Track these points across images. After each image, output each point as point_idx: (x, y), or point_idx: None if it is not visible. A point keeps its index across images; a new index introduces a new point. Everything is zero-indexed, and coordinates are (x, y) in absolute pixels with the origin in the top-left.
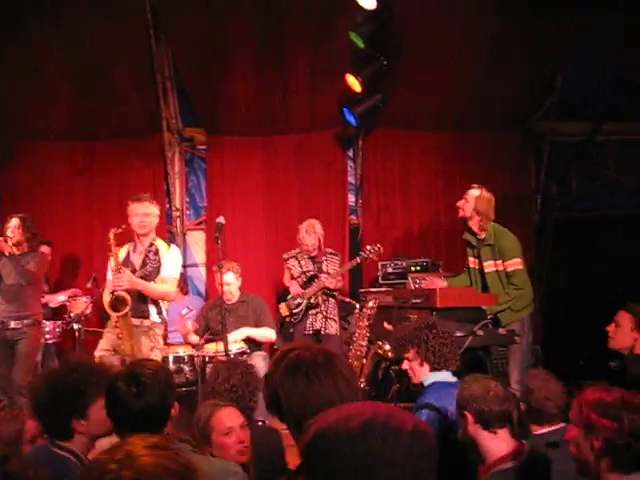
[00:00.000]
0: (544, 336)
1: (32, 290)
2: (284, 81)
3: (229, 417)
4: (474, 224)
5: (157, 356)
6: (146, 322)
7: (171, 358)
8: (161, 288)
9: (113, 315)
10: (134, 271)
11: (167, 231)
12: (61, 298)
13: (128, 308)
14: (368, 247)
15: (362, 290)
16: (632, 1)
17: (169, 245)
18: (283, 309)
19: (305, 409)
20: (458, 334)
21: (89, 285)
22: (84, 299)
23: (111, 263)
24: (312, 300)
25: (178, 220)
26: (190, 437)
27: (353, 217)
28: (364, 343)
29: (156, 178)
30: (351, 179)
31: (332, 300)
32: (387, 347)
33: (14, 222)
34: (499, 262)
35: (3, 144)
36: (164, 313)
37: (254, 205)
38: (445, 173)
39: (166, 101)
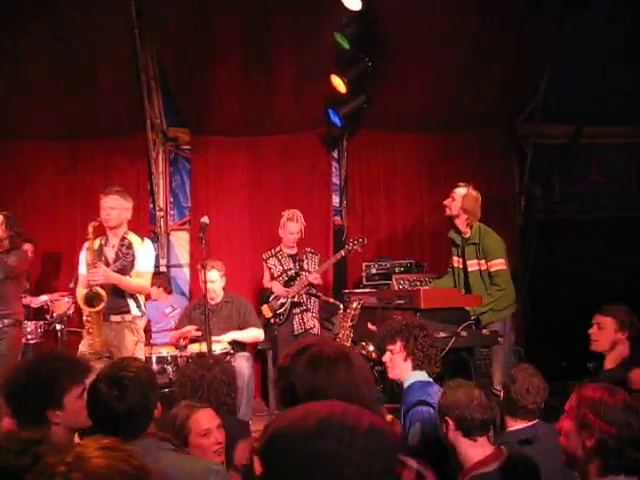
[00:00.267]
0: (527, 337)
1: (13, 288)
2: (269, 81)
3: (206, 419)
4: (461, 222)
5: (141, 350)
6: (127, 317)
7: (154, 358)
8: (137, 282)
9: (86, 310)
10: (107, 265)
11: (151, 231)
12: (43, 298)
13: (103, 304)
14: (351, 239)
15: (346, 291)
16: (616, 3)
17: (142, 239)
18: (266, 311)
19: None
20: (442, 335)
21: (71, 285)
22: (66, 299)
23: (86, 257)
24: (296, 299)
25: (162, 220)
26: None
27: (337, 218)
28: (348, 344)
29: (140, 178)
30: (335, 180)
31: (314, 298)
32: (371, 348)
33: None
34: (482, 261)
35: None
36: (143, 306)
37: (238, 205)
38: (429, 174)
39: (150, 101)
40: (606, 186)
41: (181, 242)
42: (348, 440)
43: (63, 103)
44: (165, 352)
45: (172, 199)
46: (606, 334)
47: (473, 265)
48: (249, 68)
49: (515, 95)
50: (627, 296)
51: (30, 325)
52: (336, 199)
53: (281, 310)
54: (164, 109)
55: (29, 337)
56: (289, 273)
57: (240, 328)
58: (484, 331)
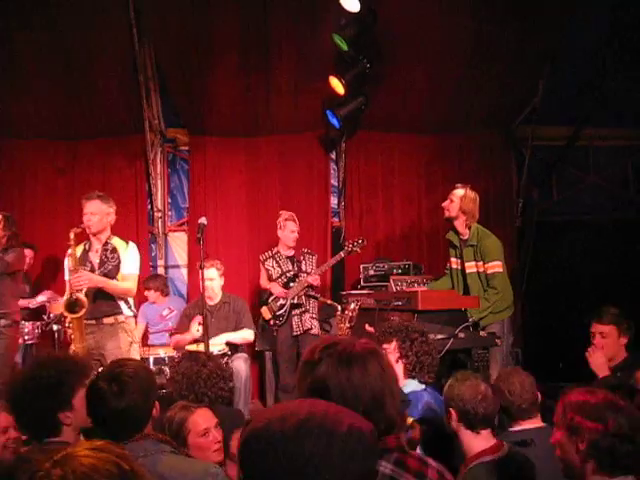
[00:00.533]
0: (525, 339)
1: (9, 287)
2: (267, 82)
3: (203, 418)
4: (460, 224)
5: (136, 350)
6: (120, 318)
7: (151, 360)
8: (123, 285)
9: (68, 316)
10: (93, 270)
11: (149, 232)
12: (40, 299)
13: (84, 311)
14: (351, 241)
15: (344, 292)
16: (614, 6)
17: (127, 242)
18: (265, 312)
19: (356, 401)
20: (439, 336)
21: None
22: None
23: (68, 263)
24: (295, 300)
25: (160, 221)
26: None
27: (335, 219)
28: None
29: (138, 179)
30: (333, 181)
31: (312, 299)
32: None
33: None
34: (480, 263)
35: None
36: (133, 307)
37: (236, 206)
38: (427, 176)
39: (149, 101)
40: (604, 188)
41: (179, 243)
42: (325, 443)
43: (61, 103)
44: (162, 353)
45: (170, 200)
46: (611, 342)
47: (471, 267)
48: (247, 69)
49: (513, 97)
50: (625, 297)
51: (28, 325)
52: (334, 200)
53: (281, 312)
54: (162, 110)
55: (26, 337)
56: (288, 275)
57: (235, 328)
58: (482, 333)
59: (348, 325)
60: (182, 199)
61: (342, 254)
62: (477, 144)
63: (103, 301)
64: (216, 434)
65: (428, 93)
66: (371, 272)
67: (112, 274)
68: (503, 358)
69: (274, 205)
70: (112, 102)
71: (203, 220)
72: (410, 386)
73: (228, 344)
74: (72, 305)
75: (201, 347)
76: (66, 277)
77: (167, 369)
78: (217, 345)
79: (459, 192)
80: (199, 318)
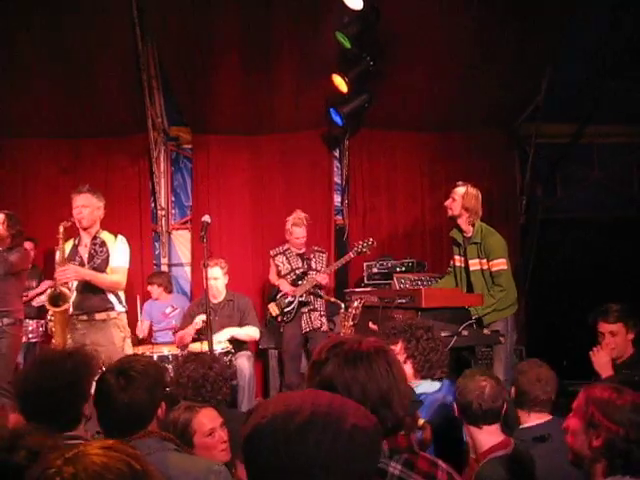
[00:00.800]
0: (528, 336)
1: (13, 286)
2: (270, 80)
3: (209, 418)
4: (463, 222)
5: (129, 345)
6: (112, 314)
7: (155, 358)
8: (111, 278)
9: (51, 309)
10: (82, 265)
11: (152, 230)
12: (43, 297)
13: (67, 305)
14: (360, 241)
15: (347, 290)
16: (617, 3)
17: (115, 235)
18: (273, 309)
19: (363, 399)
20: (443, 334)
21: None
22: None
23: (56, 257)
24: (304, 298)
25: (163, 219)
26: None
27: (339, 217)
28: None
29: (141, 177)
30: (337, 179)
31: (320, 298)
32: None
33: None
34: (484, 261)
35: None
36: (124, 301)
37: (239, 204)
38: (431, 173)
39: (152, 100)
40: (607, 185)
41: (182, 241)
42: (330, 441)
43: (64, 102)
44: (166, 351)
45: (173, 198)
46: (620, 340)
47: (475, 264)
48: (250, 67)
49: (516, 94)
50: (628, 295)
51: (32, 324)
52: (337, 198)
53: (288, 309)
54: (165, 108)
55: (30, 336)
56: (297, 272)
57: (239, 326)
58: (485, 330)
59: (352, 323)
60: (185, 197)
61: (351, 254)
62: (480, 142)
63: (94, 296)
64: (222, 434)
65: (431, 91)
66: (374, 270)
67: (101, 268)
68: (507, 356)
69: (277, 203)
70: (115, 101)
71: (206, 218)
72: (422, 387)
73: (232, 342)
74: (55, 298)
75: (205, 345)
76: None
77: (171, 367)
78: (220, 343)
79: (460, 190)
80: (202, 316)
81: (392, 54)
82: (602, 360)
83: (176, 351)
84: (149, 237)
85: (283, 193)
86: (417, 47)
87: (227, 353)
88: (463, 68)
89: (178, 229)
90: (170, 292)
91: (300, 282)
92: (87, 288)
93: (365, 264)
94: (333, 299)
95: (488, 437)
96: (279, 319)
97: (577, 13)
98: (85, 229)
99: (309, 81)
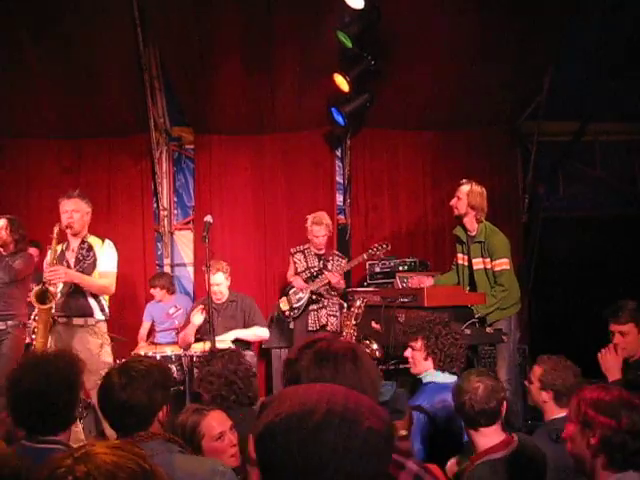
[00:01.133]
0: (531, 335)
1: (17, 290)
2: (272, 80)
3: (218, 421)
4: (469, 220)
5: (107, 353)
6: (90, 320)
7: (158, 358)
8: (100, 282)
9: (38, 307)
10: (69, 269)
11: (155, 230)
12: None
13: (53, 304)
14: (376, 245)
15: (350, 289)
16: (618, 1)
17: (103, 240)
18: (284, 303)
19: None
20: None
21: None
22: None
23: (47, 258)
24: (314, 296)
25: (165, 219)
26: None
27: (341, 217)
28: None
29: (143, 177)
30: (339, 178)
31: (335, 297)
32: (375, 346)
33: (1, 222)
34: (487, 260)
35: None
36: (107, 309)
37: (242, 204)
38: (433, 172)
39: (154, 100)
40: (610, 183)
41: (185, 241)
42: (344, 444)
43: (66, 102)
44: (169, 351)
45: (176, 198)
46: (631, 339)
47: (478, 263)
48: (252, 67)
49: (518, 93)
50: (631, 293)
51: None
52: (340, 197)
53: (298, 304)
54: (167, 108)
55: (33, 337)
56: (312, 270)
57: (245, 327)
58: (488, 329)
59: (354, 322)
60: (188, 197)
61: (365, 256)
62: (482, 140)
63: (76, 300)
64: (232, 437)
65: (433, 90)
66: (377, 269)
67: (88, 272)
68: (510, 354)
69: (279, 203)
70: (117, 101)
71: (209, 218)
72: (432, 377)
73: (235, 341)
74: (42, 296)
75: (207, 345)
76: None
77: (174, 367)
78: (225, 343)
79: (465, 188)
80: (199, 316)
81: (393, 53)
82: (609, 363)
83: (179, 351)
84: (151, 237)
85: (285, 193)
86: (418, 46)
87: None
88: (465, 67)
89: (180, 229)
90: (173, 293)
91: (313, 280)
92: (71, 291)
93: (368, 263)
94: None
95: (485, 439)
96: (287, 313)
97: (580, 10)
98: (75, 234)
99: (311, 80)
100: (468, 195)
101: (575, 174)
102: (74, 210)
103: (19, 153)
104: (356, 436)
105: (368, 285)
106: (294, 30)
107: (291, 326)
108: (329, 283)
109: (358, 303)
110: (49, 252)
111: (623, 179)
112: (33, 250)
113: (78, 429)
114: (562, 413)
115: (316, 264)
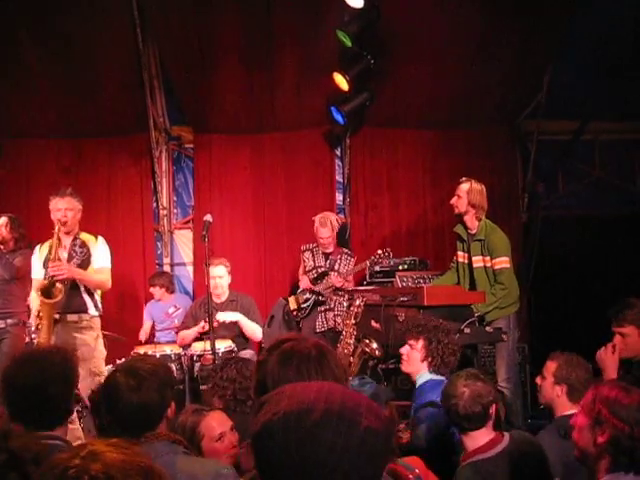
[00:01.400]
0: (531, 334)
1: (17, 288)
2: (271, 79)
3: (218, 422)
4: (470, 218)
5: (102, 344)
6: (85, 317)
7: (158, 357)
8: (98, 277)
9: (43, 300)
10: None
11: (154, 230)
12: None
13: (60, 297)
14: (379, 252)
15: (350, 288)
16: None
17: (96, 236)
18: (292, 302)
19: None
20: None
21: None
22: None
23: (40, 257)
24: (321, 297)
25: (165, 219)
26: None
27: (341, 216)
28: (351, 341)
29: (143, 177)
30: (339, 177)
31: (342, 298)
32: (374, 345)
33: (1, 220)
34: (487, 258)
35: None
36: (100, 306)
37: (241, 203)
38: (432, 171)
39: (153, 99)
40: (609, 182)
41: (185, 241)
42: (342, 444)
43: (66, 102)
44: (169, 350)
45: (175, 198)
46: (632, 341)
47: (478, 261)
48: (252, 66)
49: (518, 91)
50: (631, 293)
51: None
52: (339, 196)
53: (304, 305)
54: (167, 107)
55: (33, 336)
56: (319, 270)
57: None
58: (488, 328)
59: (354, 321)
60: (187, 197)
61: (368, 263)
62: (482, 139)
63: (71, 297)
64: (232, 438)
65: (432, 89)
66: (377, 268)
67: (83, 268)
68: (509, 353)
69: (279, 202)
70: (116, 100)
71: (208, 217)
72: (428, 375)
73: (235, 341)
74: (48, 290)
75: (207, 345)
76: (35, 275)
77: (174, 366)
78: (224, 342)
79: (465, 186)
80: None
81: (393, 52)
82: (605, 362)
83: (179, 350)
84: (151, 237)
85: (285, 192)
86: (418, 45)
87: (230, 352)
88: (464, 66)
89: (180, 229)
90: (172, 292)
91: (319, 280)
92: (66, 288)
93: (367, 262)
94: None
95: (473, 441)
96: (294, 313)
97: (580, 9)
98: (67, 232)
99: (310, 79)
100: (468, 193)
101: (575, 173)
102: (67, 208)
103: (19, 153)
104: (354, 435)
105: (368, 284)
106: (294, 29)
107: (300, 325)
108: (335, 285)
109: (358, 302)
110: (38, 254)
111: (623, 178)
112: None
113: (76, 427)
114: (573, 409)
115: (323, 263)
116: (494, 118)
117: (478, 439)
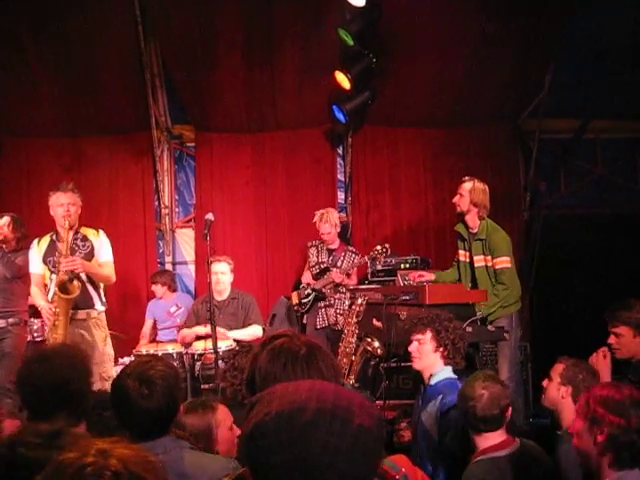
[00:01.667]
0: (533, 333)
1: (18, 287)
2: (273, 78)
3: (226, 413)
4: (471, 217)
5: (109, 345)
6: (93, 313)
7: (160, 355)
8: (106, 271)
9: (61, 296)
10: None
11: (156, 229)
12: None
13: (77, 293)
14: (378, 247)
15: (351, 287)
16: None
17: (97, 230)
18: (294, 297)
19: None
20: None
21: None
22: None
23: (39, 252)
24: (321, 293)
25: (167, 218)
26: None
27: (342, 214)
28: (353, 340)
29: (145, 175)
30: (340, 176)
31: (344, 295)
32: (376, 344)
33: (4, 220)
34: (489, 257)
35: None
36: (104, 299)
37: (243, 202)
38: (434, 170)
39: (155, 98)
40: (611, 181)
41: (186, 239)
42: (335, 443)
43: (67, 101)
44: (171, 349)
45: (177, 196)
46: (626, 341)
47: (480, 261)
48: (253, 65)
49: (520, 90)
50: (634, 292)
51: (36, 323)
52: (341, 195)
53: (305, 300)
54: (168, 106)
55: (35, 335)
56: (321, 266)
57: (244, 324)
58: (490, 327)
59: (356, 320)
60: (189, 195)
61: (366, 258)
62: (484, 138)
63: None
64: (237, 429)
65: (434, 87)
66: (378, 267)
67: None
68: (511, 352)
69: (281, 201)
70: (118, 99)
71: (210, 216)
72: (446, 372)
73: (236, 339)
74: (66, 286)
75: (209, 344)
76: (33, 269)
77: (175, 365)
78: (225, 340)
79: (467, 185)
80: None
81: (395, 51)
82: (599, 367)
83: (180, 349)
84: (153, 235)
85: (286, 190)
86: (420, 44)
87: (231, 351)
88: (466, 64)
89: (182, 227)
90: (174, 291)
91: (321, 276)
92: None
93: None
94: (336, 296)
95: (486, 441)
96: (296, 307)
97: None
98: (70, 227)
99: (312, 78)
100: (471, 192)
101: (576, 172)
102: (70, 203)
103: (20, 152)
104: (347, 433)
105: (369, 283)
106: (295, 28)
107: (304, 321)
108: (335, 281)
109: (359, 301)
110: (36, 248)
111: (624, 177)
112: None
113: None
114: None
115: (326, 259)
116: (495, 117)
117: (491, 440)
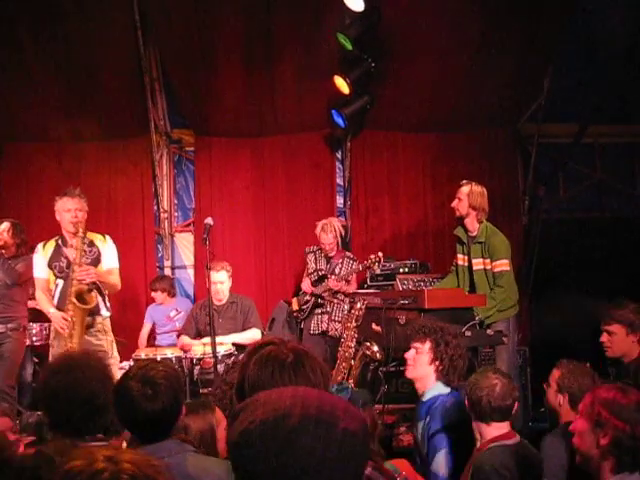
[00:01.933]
0: (531, 337)
1: (18, 293)
2: (272, 82)
3: (222, 414)
4: (471, 221)
5: (116, 349)
6: (99, 319)
7: (159, 359)
8: (113, 279)
9: (78, 306)
10: (69, 265)
11: (155, 233)
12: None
13: (95, 302)
14: (372, 256)
15: (350, 291)
16: (616, 3)
17: (104, 236)
18: (294, 303)
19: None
20: None
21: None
22: None
23: (45, 258)
24: (319, 300)
25: (166, 222)
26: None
27: (341, 219)
28: (352, 344)
29: (144, 180)
30: (339, 180)
31: (341, 303)
32: (375, 348)
33: (4, 225)
34: (487, 261)
35: None
36: (109, 304)
37: (242, 206)
38: (433, 174)
39: (154, 102)
40: (610, 185)
41: (185, 244)
42: (321, 448)
43: (66, 105)
44: (170, 353)
45: (176, 201)
46: (618, 340)
47: (478, 264)
48: (252, 69)
49: (519, 94)
50: (631, 296)
51: (35, 327)
52: (340, 200)
53: (304, 306)
54: (168, 111)
55: (34, 339)
56: (319, 273)
57: (243, 328)
58: (488, 331)
59: (355, 324)
60: (188, 200)
61: (360, 267)
62: (483, 142)
63: None
64: None
65: (433, 92)
66: (377, 271)
67: (93, 267)
68: (509, 356)
69: (280, 205)
70: (117, 104)
71: (209, 220)
72: (438, 389)
73: (234, 344)
74: (83, 296)
75: (207, 348)
76: (38, 274)
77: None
78: (223, 345)
79: (465, 189)
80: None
81: (394, 55)
82: None
83: (179, 353)
84: (152, 240)
85: (285, 195)
86: (418, 48)
87: (230, 355)
88: (465, 69)
89: (181, 232)
90: (173, 296)
91: (319, 283)
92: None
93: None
94: (336, 300)
95: (495, 430)
96: (295, 314)
97: (579, 12)
98: (75, 232)
99: (311, 83)
100: (469, 196)
101: (575, 176)
102: (78, 209)
103: (19, 156)
104: (332, 438)
105: (368, 287)
106: (294, 32)
107: (301, 326)
108: (330, 288)
109: (359, 305)
110: (41, 253)
111: (623, 181)
112: None
113: None
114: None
115: (324, 267)
116: (494, 121)
117: (499, 430)
